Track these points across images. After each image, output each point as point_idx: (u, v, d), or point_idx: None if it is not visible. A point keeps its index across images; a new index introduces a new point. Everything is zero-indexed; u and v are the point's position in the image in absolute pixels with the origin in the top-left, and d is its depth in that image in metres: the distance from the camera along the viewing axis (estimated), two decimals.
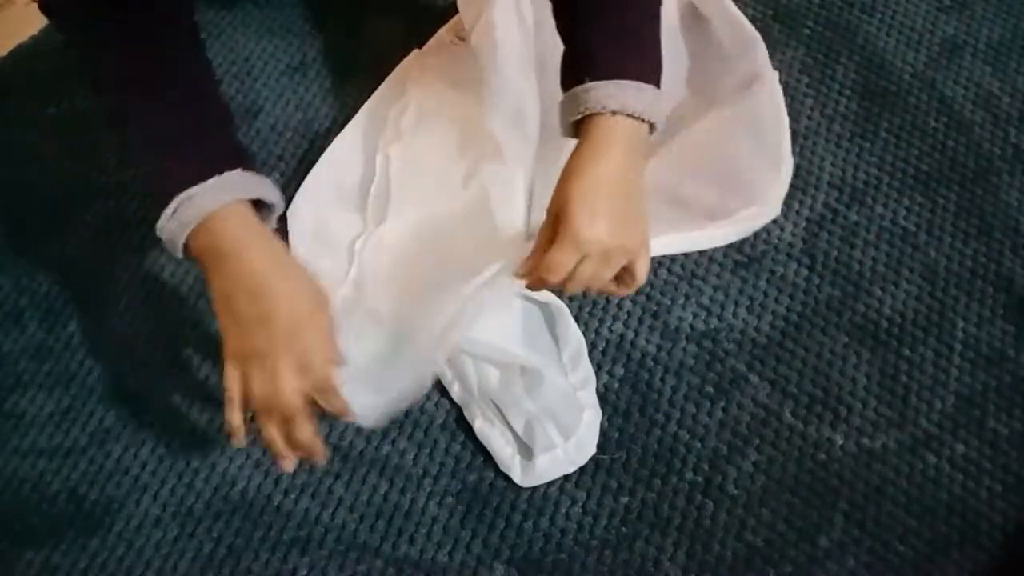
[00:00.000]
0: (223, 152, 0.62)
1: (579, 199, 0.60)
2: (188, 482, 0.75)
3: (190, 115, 0.62)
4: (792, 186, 0.88)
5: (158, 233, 0.60)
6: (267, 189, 0.62)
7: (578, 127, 0.63)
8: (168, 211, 0.58)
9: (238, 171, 0.60)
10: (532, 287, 0.65)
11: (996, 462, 0.76)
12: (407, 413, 0.77)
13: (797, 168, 0.89)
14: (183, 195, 0.58)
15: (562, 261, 0.61)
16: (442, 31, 0.93)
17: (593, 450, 0.75)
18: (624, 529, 0.73)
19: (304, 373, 0.59)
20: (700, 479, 0.75)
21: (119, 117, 0.61)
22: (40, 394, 0.78)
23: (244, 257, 0.59)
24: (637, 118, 0.61)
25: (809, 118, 0.92)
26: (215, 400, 0.77)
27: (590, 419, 0.75)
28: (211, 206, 0.58)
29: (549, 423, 0.73)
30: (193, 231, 0.58)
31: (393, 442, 0.76)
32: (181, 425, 0.77)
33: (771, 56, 0.95)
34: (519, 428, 0.73)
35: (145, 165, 0.61)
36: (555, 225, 0.62)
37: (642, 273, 0.64)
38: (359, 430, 0.76)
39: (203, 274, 0.61)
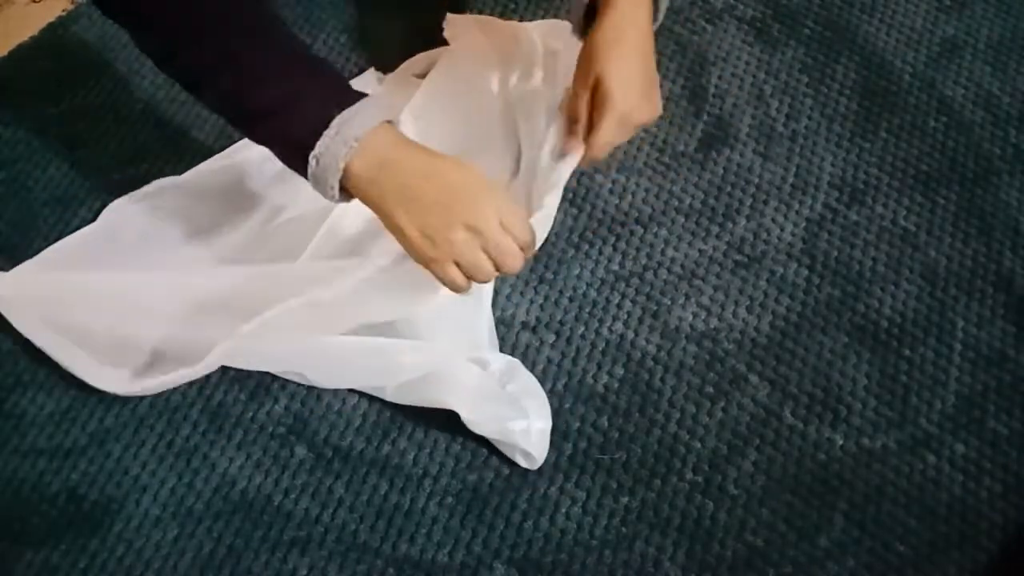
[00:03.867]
0: (346, 81, 0.63)
1: (620, 77, 0.65)
2: (188, 482, 0.74)
3: (305, 51, 0.63)
4: (792, 186, 0.88)
5: (312, 161, 0.59)
6: (397, 111, 0.63)
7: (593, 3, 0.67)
8: (330, 132, 0.58)
9: (371, 96, 0.61)
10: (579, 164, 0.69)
11: (996, 462, 0.76)
12: (407, 412, 0.77)
13: (797, 168, 0.89)
14: (341, 118, 0.58)
15: (612, 141, 0.66)
16: (403, 67, 0.94)
17: (543, 395, 0.75)
18: (624, 529, 0.73)
19: (505, 228, 0.60)
20: (700, 479, 0.75)
21: (231, 61, 0.60)
22: (40, 394, 0.78)
23: (412, 157, 0.60)
24: None
25: (809, 118, 0.92)
26: (215, 400, 0.78)
27: (521, 381, 0.75)
28: (370, 124, 0.59)
29: (512, 421, 0.73)
30: (358, 150, 0.58)
31: (393, 442, 0.76)
32: (181, 425, 0.77)
33: (771, 56, 0.95)
34: (497, 437, 0.74)
35: (278, 98, 0.60)
36: (595, 100, 0.66)
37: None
38: (359, 430, 0.76)
39: (364, 196, 0.61)
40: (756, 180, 0.88)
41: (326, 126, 0.58)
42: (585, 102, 0.66)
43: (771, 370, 0.79)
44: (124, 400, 0.77)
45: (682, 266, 0.84)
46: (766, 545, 0.72)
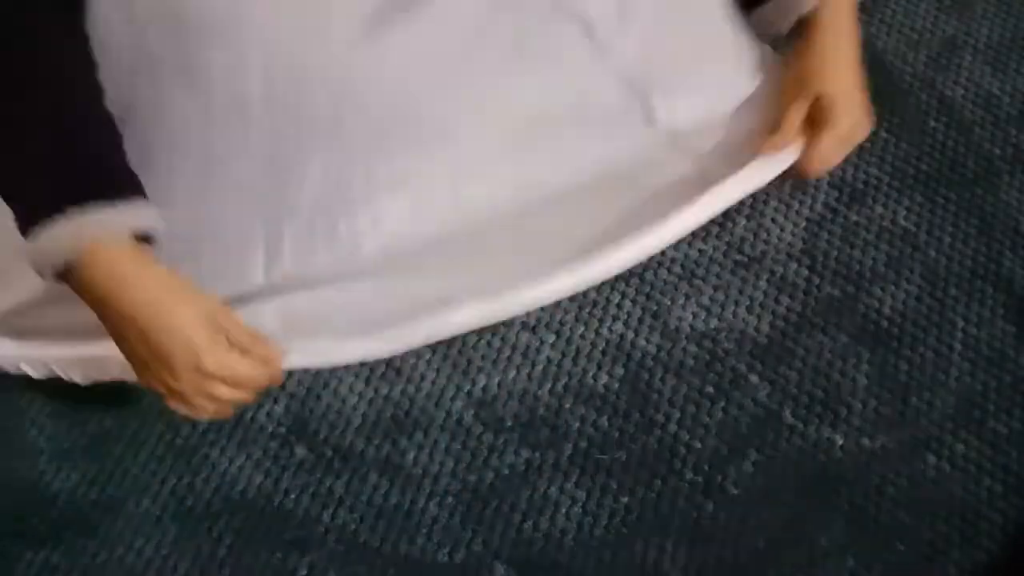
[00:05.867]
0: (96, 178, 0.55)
1: (843, 93, 0.64)
2: (188, 482, 0.74)
3: (72, 120, 0.55)
4: (792, 186, 0.88)
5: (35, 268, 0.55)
6: (145, 218, 0.56)
7: (796, 27, 0.67)
8: (35, 253, 0.54)
9: (101, 203, 0.53)
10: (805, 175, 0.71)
11: (996, 462, 0.76)
12: (407, 412, 0.77)
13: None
14: (48, 235, 0.53)
15: (830, 159, 0.66)
16: None
17: None
18: (624, 529, 0.73)
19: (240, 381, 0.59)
20: (700, 479, 0.75)
21: None
22: (40, 393, 0.78)
23: (123, 298, 0.54)
24: None
25: None
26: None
27: None
28: (76, 252, 0.53)
29: None
30: (71, 272, 0.54)
31: (393, 442, 0.76)
32: (181, 425, 0.77)
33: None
34: None
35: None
36: (813, 118, 0.64)
37: None
38: (359, 430, 0.76)
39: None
40: None
41: (37, 235, 0.53)
42: (799, 116, 0.64)
43: (771, 370, 0.79)
44: (124, 400, 0.77)
45: (682, 266, 0.84)
46: (766, 545, 0.72)
